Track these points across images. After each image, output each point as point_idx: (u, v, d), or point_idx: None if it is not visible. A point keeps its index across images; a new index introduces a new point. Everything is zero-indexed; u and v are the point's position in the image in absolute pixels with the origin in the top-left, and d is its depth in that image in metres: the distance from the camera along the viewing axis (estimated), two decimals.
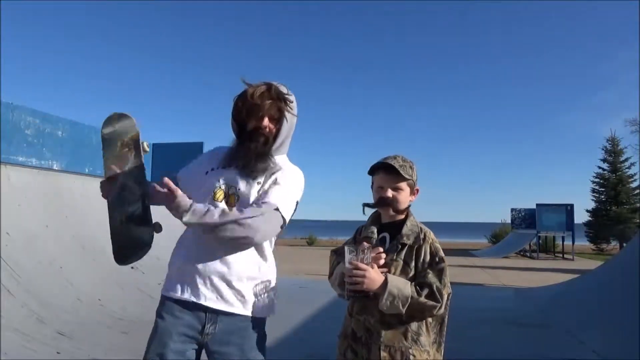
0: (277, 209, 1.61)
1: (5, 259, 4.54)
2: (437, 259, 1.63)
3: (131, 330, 4.59)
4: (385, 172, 1.71)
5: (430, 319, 1.65)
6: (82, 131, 6.92)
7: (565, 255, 20.56)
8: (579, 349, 4.74)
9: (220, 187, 1.67)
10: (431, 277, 1.59)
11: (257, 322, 1.67)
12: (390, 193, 1.71)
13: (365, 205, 1.79)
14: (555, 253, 22.24)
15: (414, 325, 1.61)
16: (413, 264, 1.63)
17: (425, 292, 1.56)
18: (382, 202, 1.73)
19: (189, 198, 1.61)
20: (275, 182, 1.67)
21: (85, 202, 6.58)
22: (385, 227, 1.76)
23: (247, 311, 1.64)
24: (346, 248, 1.62)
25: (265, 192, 1.65)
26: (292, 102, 1.74)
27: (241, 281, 1.62)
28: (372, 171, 1.78)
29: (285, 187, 1.68)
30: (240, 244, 1.58)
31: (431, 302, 1.55)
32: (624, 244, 20.46)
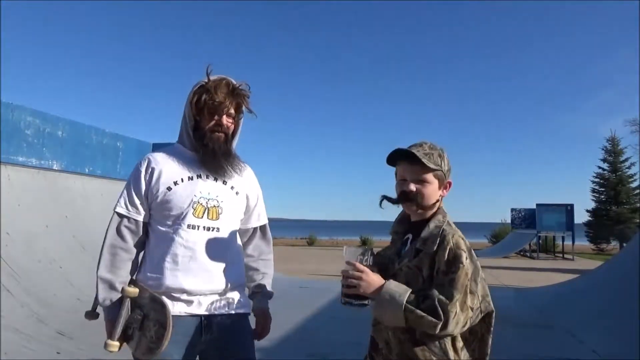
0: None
1: (5, 259, 4.54)
2: (453, 268, 1.31)
3: None
4: (409, 161, 1.44)
5: (459, 338, 1.39)
6: (82, 131, 6.92)
7: (565, 255, 20.54)
8: (579, 349, 4.74)
9: (198, 202, 1.61)
10: (436, 287, 1.31)
11: (246, 317, 1.76)
12: (413, 187, 1.45)
13: (385, 198, 1.52)
14: (555, 253, 22.21)
15: (434, 346, 1.35)
16: (427, 272, 1.36)
17: (425, 304, 1.29)
18: (404, 198, 1.46)
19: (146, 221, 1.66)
20: (259, 198, 1.85)
21: (85, 202, 6.58)
22: (413, 226, 1.50)
23: (238, 309, 1.71)
24: (345, 248, 1.46)
25: (257, 211, 1.85)
26: (249, 97, 1.72)
27: (227, 293, 1.69)
28: (393, 160, 1.50)
29: (262, 198, 1.89)
30: None
31: (429, 318, 1.27)
32: (624, 244, 20.45)
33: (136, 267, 1.68)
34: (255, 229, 1.86)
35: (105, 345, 1.55)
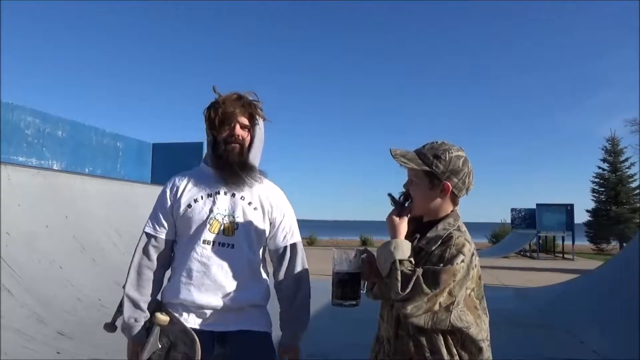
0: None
1: (5, 259, 4.54)
2: (442, 264, 1.29)
3: None
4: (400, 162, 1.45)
5: (451, 340, 1.34)
6: (82, 131, 6.93)
7: (566, 255, 20.55)
8: (579, 349, 4.75)
9: (215, 218, 1.63)
10: (422, 268, 1.30)
11: (265, 337, 1.72)
12: (406, 187, 1.47)
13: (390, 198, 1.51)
14: (556, 253, 22.23)
15: (427, 341, 1.33)
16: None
17: (407, 272, 1.28)
18: (404, 197, 1.48)
19: (171, 240, 1.68)
20: (285, 215, 1.79)
21: (85, 202, 6.58)
22: (424, 226, 1.44)
23: (255, 327, 1.68)
24: (334, 250, 1.48)
25: (283, 229, 1.79)
26: (261, 109, 1.74)
27: (243, 310, 1.66)
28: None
29: (292, 216, 1.84)
30: None
31: (399, 284, 1.26)
32: (624, 244, 20.46)
33: (162, 285, 1.71)
34: (284, 248, 1.81)
35: None
